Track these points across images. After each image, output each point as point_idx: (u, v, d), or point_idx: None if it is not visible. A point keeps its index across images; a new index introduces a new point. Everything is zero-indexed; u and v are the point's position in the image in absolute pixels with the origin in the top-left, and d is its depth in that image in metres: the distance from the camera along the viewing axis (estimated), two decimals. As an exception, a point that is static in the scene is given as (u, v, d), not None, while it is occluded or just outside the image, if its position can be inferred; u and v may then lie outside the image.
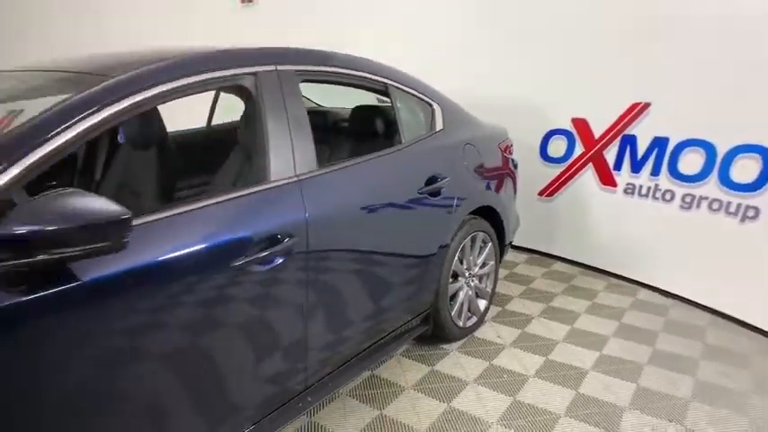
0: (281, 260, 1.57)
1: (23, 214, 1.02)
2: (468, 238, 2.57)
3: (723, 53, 2.81)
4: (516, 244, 3.59)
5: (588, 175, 3.59)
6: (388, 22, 4.28)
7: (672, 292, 3.24)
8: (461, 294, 2.62)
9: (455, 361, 2.51)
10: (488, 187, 2.70)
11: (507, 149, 2.98)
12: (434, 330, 2.52)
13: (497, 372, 2.42)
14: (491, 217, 2.76)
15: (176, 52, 1.60)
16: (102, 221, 1.06)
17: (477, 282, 2.74)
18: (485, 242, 2.74)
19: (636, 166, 3.31)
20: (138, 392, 1.31)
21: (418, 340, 2.63)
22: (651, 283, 3.36)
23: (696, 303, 3.11)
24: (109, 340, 1.22)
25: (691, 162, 3.03)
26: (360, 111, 2.56)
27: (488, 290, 2.85)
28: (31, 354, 1.09)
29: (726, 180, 2.88)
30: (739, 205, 2.83)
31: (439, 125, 2.49)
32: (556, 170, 3.75)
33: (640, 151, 3.28)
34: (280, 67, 1.76)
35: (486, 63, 3.80)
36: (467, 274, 2.65)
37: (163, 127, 2.00)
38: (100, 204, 1.07)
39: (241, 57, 1.68)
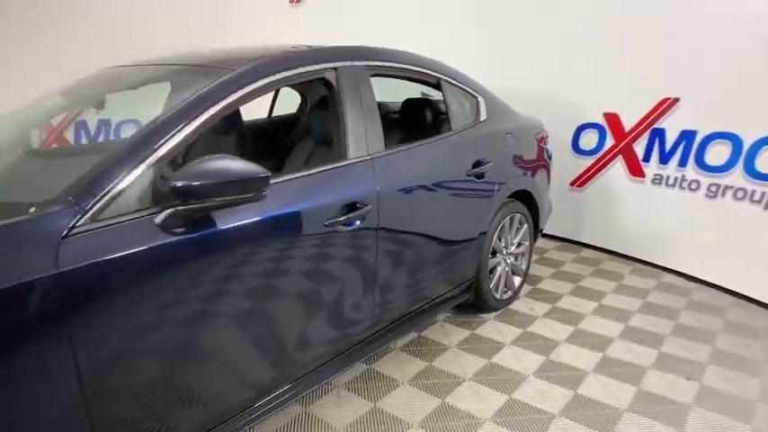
0: (358, 223, 1.89)
1: (189, 173, 1.35)
2: (507, 218, 2.86)
3: (750, 50, 3.02)
4: (547, 232, 3.84)
5: (618, 167, 3.83)
6: (426, 20, 4.56)
7: (695, 276, 3.46)
8: (499, 269, 2.91)
9: (493, 327, 2.80)
10: (525, 174, 2.98)
11: (543, 140, 3.25)
12: (475, 300, 2.82)
13: (531, 337, 2.70)
14: (527, 201, 3.04)
15: (272, 50, 1.94)
16: (250, 177, 1.40)
17: (512, 260, 3.02)
18: (521, 223, 3.03)
19: (664, 158, 3.54)
20: (253, 318, 1.64)
21: (458, 310, 2.93)
22: (675, 268, 3.58)
23: (719, 287, 3.33)
24: (243, 273, 1.56)
25: (717, 153, 3.25)
26: (415, 102, 2.85)
27: (523, 268, 3.14)
28: (181, 283, 1.43)
29: (751, 170, 3.09)
30: (764, 193, 3.04)
31: (483, 115, 2.78)
32: (587, 162, 3.99)
33: (669, 144, 3.50)
34: (355, 63, 2.09)
35: (524, 61, 4.06)
36: (504, 252, 2.94)
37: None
38: (246, 165, 1.41)
39: (325, 54, 2.01)
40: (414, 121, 2.73)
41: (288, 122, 3.16)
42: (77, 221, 1.25)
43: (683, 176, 3.45)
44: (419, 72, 2.46)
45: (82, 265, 1.22)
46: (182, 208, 1.38)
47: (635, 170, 3.73)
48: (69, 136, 3.35)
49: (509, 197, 2.86)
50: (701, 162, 3.35)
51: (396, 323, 2.30)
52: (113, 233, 1.30)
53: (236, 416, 1.66)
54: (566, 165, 4.00)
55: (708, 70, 3.23)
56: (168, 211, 1.38)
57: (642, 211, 3.73)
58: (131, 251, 1.31)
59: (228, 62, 1.77)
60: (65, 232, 1.23)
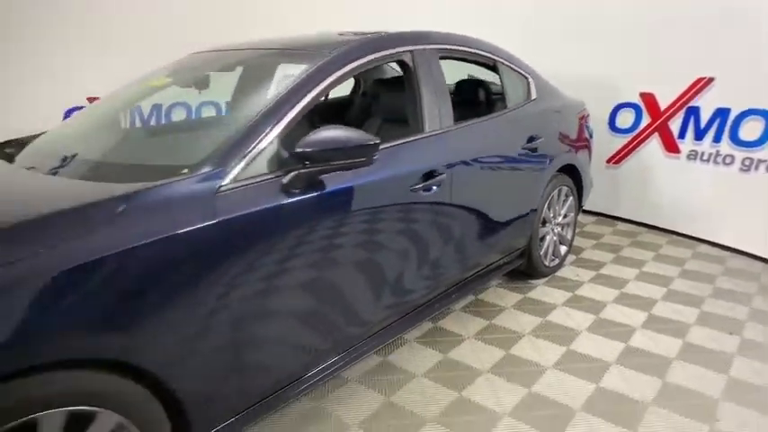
0: (435, 189, 2.12)
1: (310, 140, 1.59)
2: (555, 191, 3.08)
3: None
4: (584, 208, 4.03)
5: (653, 144, 4.01)
6: (468, 5, 4.73)
7: (729, 245, 3.65)
8: (548, 238, 3.14)
9: (543, 291, 3.03)
10: (570, 150, 3.18)
11: (584, 119, 3.44)
12: (526, 267, 3.04)
13: (580, 299, 2.93)
14: (573, 175, 3.25)
15: (358, 35, 2.17)
16: (363, 144, 1.63)
17: (559, 230, 3.24)
18: (567, 196, 3.24)
19: (699, 135, 3.71)
20: (357, 267, 1.89)
21: (509, 277, 3.15)
22: (710, 239, 3.77)
23: (753, 255, 3.51)
24: (349, 228, 1.81)
25: (751, 129, 3.42)
26: (471, 82, 3.06)
27: (568, 237, 3.35)
28: (302, 233, 1.67)
29: (784, 144, 3.26)
30: (796, 166, 3.22)
31: (533, 95, 2.98)
32: (623, 140, 4.17)
33: (703, 121, 3.68)
34: (427, 47, 2.31)
35: (564, 44, 4.22)
36: (552, 222, 3.16)
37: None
38: (359, 133, 1.65)
39: (404, 38, 2.24)
40: (472, 100, 2.94)
41: (347, 102, 3.39)
42: (224, 181, 1.50)
43: (718, 152, 3.62)
44: (478, 54, 2.67)
45: (231, 216, 1.47)
46: (303, 171, 1.62)
47: (670, 147, 3.90)
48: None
49: (557, 171, 3.07)
50: (735, 138, 3.52)
51: (459, 284, 2.53)
52: (251, 191, 1.55)
53: (340, 355, 1.92)
54: (602, 143, 4.17)
55: (742, 51, 3.38)
56: (292, 174, 1.62)
57: (677, 185, 3.91)
58: (265, 206, 1.55)
59: (323, 46, 2.00)
60: (216, 190, 1.48)
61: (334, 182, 1.73)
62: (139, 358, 1.30)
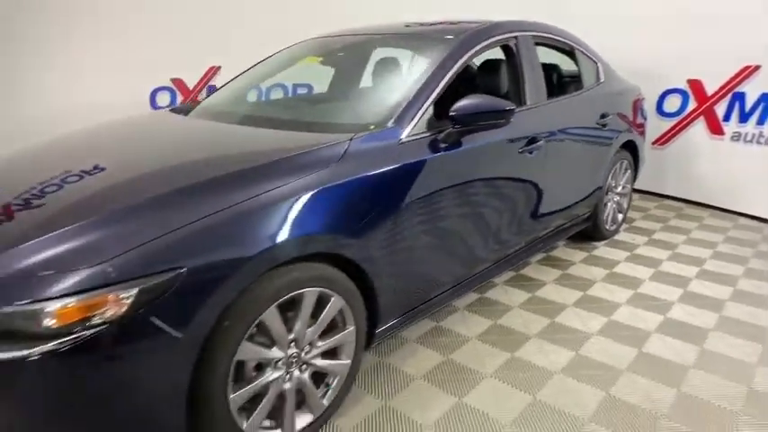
0: (535, 153, 2.57)
1: (465, 103, 2.05)
2: (618, 163, 3.51)
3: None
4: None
5: (699, 127, 4.41)
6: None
7: (763, 217, 4.05)
8: (609, 205, 3.58)
9: (605, 251, 3.48)
10: (630, 128, 3.61)
11: (639, 102, 3.85)
12: (591, 229, 3.49)
13: (639, 257, 3.37)
14: (631, 151, 3.68)
15: (472, 22, 2.61)
16: (504, 108, 2.09)
17: (618, 198, 3.68)
18: (626, 169, 3.67)
19: (744, 118, 4.11)
20: (488, 206, 2.37)
21: (572, 240, 3.59)
22: (750, 213, 4.18)
23: (789, 226, 3.93)
24: (485, 176, 2.28)
25: (793, 113, 3.82)
26: (552, 65, 3.47)
27: (624, 206, 3.79)
28: (453, 178, 2.13)
29: (822, 126, 3.66)
30: (833, 146, 3.61)
31: (602, 78, 3.41)
32: (669, 123, 4.58)
33: (748, 105, 4.07)
34: (526, 34, 2.75)
35: (616, 35, 4.60)
36: (614, 191, 3.59)
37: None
38: (500, 100, 2.11)
39: (510, 26, 2.67)
40: (554, 80, 3.36)
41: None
42: (402, 136, 1.97)
43: (761, 133, 4.02)
44: (563, 42, 3.11)
45: (408, 161, 1.94)
46: (454, 130, 2.08)
47: (715, 129, 4.31)
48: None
49: (620, 147, 3.50)
50: (778, 120, 3.91)
51: (542, 237, 2.98)
52: (418, 144, 2.01)
53: (477, 273, 2.44)
54: (650, 126, 4.56)
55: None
56: (446, 132, 2.08)
57: (720, 164, 4.32)
58: (428, 156, 2.02)
59: (449, 31, 2.46)
60: (398, 142, 1.94)
61: (471, 141, 2.19)
62: (361, 257, 1.77)
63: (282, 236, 1.53)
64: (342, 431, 1.83)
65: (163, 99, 5.51)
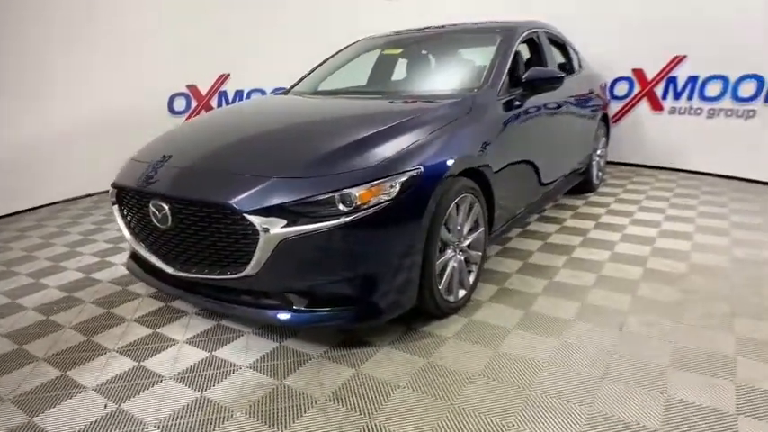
0: (559, 115, 3.48)
1: (533, 72, 2.89)
2: (600, 130, 4.53)
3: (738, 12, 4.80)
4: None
5: (643, 106, 5.59)
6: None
7: (704, 171, 5.27)
8: (594, 163, 4.58)
9: (599, 198, 4.46)
10: (603, 105, 4.65)
11: (604, 85, 4.93)
12: (585, 181, 4.46)
13: (625, 200, 4.38)
14: (605, 122, 4.73)
15: (513, 21, 3.49)
16: (557, 76, 2.95)
17: (599, 159, 4.70)
18: (603, 135, 4.71)
19: (677, 96, 5.32)
20: (541, 151, 3.20)
21: (573, 194, 4.55)
22: (689, 168, 5.38)
23: (719, 175, 5.14)
24: (542, 127, 3.12)
25: (713, 89, 5.05)
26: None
27: (602, 164, 4.84)
28: (517, 129, 2.95)
29: (736, 97, 4.90)
30: (744, 110, 4.87)
31: (582, 65, 4.43)
32: (620, 104, 5.73)
33: (680, 86, 5.29)
34: (543, 30, 3.67)
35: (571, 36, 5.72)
36: (597, 151, 4.61)
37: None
38: (554, 70, 2.98)
39: (534, 23, 3.58)
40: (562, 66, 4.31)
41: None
42: (497, 96, 2.77)
43: (691, 106, 5.25)
44: (557, 37, 4.08)
45: (503, 113, 2.75)
46: (525, 92, 2.92)
47: (656, 106, 5.50)
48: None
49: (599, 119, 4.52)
50: (702, 95, 5.14)
51: (567, 176, 3.88)
52: (504, 102, 2.82)
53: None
54: (606, 107, 5.71)
55: (705, 32, 4.99)
56: (518, 93, 2.91)
57: (662, 133, 5.51)
58: (512, 111, 2.83)
59: (499, 27, 3.32)
60: (496, 99, 2.75)
61: (542, 99, 3.07)
62: (488, 174, 2.53)
63: (457, 154, 2.28)
64: (483, 302, 2.57)
65: (179, 104, 5.94)
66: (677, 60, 5.26)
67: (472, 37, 3.48)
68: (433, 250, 2.15)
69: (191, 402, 1.88)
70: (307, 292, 2.01)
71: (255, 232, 1.89)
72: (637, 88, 5.60)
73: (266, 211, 1.88)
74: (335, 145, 2.11)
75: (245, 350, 2.21)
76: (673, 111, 5.39)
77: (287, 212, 1.89)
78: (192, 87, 5.99)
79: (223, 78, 6.19)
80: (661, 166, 5.61)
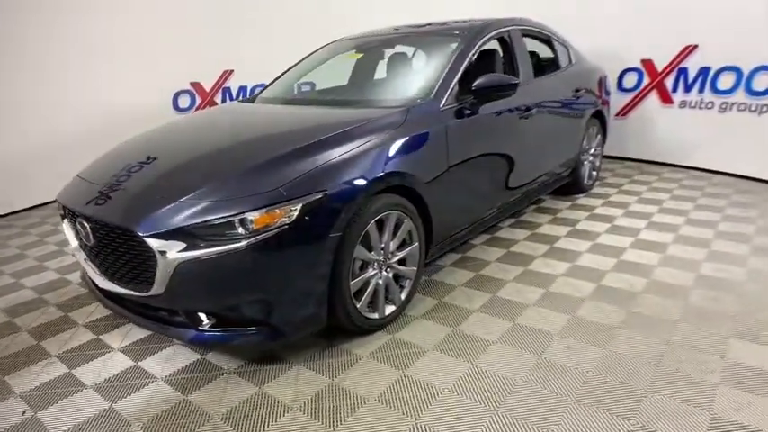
0: (528, 119, 3.34)
1: (483, 80, 2.79)
2: (590, 128, 4.32)
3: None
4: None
5: (652, 98, 5.27)
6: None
7: (712, 168, 4.94)
8: (586, 163, 4.39)
9: (586, 201, 4.28)
10: (597, 102, 4.42)
11: (603, 80, 4.68)
12: (573, 182, 4.28)
13: (614, 203, 4.18)
14: (600, 120, 4.50)
15: (483, 19, 3.36)
16: (510, 83, 2.84)
17: (592, 158, 4.49)
18: (597, 134, 4.49)
19: (688, 88, 4.98)
20: (493, 160, 3.10)
21: (560, 193, 4.39)
22: (697, 165, 5.06)
23: (729, 173, 4.81)
24: (494, 134, 3.02)
25: (726, 81, 4.70)
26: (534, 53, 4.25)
27: (597, 164, 4.62)
28: (468, 137, 2.87)
29: (749, 90, 4.54)
30: (758, 105, 4.50)
31: (573, 60, 4.21)
32: (628, 97, 5.43)
33: (690, 78, 4.94)
34: (517, 27, 3.51)
35: (577, 23, 5.44)
36: (588, 152, 4.40)
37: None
38: (507, 77, 2.86)
39: (504, 22, 3.43)
40: (542, 63, 4.14)
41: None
42: (440, 106, 2.69)
43: (702, 100, 4.90)
44: (540, 32, 3.89)
45: (446, 124, 2.66)
46: (475, 100, 2.83)
47: (666, 99, 5.18)
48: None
49: (591, 116, 4.30)
50: (714, 88, 4.79)
51: (535, 189, 3.75)
52: (450, 111, 2.74)
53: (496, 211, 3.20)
54: (612, 101, 5.42)
55: (720, 20, 4.62)
56: (469, 101, 2.82)
57: (671, 128, 5.19)
58: (456, 120, 2.74)
59: (457, 29, 3.20)
60: (439, 110, 2.67)
61: (492, 107, 2.95)
62: (421, 190, 2.48)
63: (379, 172, 2.25)
64: (414, 318, 2.55)
65: (183, 101, 6.11)
66: (688, 50, 4.91)
67: (433, 40, 3.37)
68: (345, 270, 2.15)
69: (98, 413, 1.98)
70: (214, 312, 2.06)
71: (155, 255, 1.95)
72: (646, 80, 5.28)
73: (168, 235, 1.94)
74: (247, 165, 2.13)
75: (167, 361, 2.30)
76: (683, 104, 5.06)
77: (188, 235, 1.93)
78: (195, 84, 6.14)
79: (227, 74, 6.30)
80: (669, 162, 5.29)
